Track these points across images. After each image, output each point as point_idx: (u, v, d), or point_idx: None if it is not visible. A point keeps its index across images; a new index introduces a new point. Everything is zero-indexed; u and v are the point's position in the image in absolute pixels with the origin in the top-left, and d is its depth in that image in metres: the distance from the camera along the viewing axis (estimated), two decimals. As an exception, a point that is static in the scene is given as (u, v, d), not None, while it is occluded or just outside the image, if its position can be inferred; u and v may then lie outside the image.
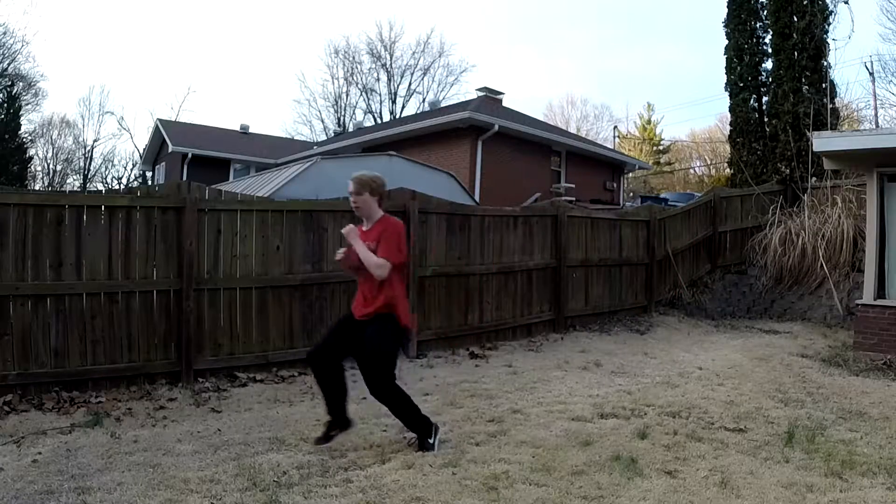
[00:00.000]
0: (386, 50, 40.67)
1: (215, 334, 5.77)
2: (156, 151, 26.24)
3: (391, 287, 3.79)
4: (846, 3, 13.36)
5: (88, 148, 40.43)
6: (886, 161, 7.58)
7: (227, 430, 4.40)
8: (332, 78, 42.13)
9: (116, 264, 5.27)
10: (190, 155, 21.95)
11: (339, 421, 3.97)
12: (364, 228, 3.90)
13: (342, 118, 40.40)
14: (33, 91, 33.89)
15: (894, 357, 7.07)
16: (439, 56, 40.85)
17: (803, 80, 12.89)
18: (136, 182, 37.33)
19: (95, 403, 4.87)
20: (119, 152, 74.60)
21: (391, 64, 40.49)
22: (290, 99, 79.95)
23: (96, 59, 58.71)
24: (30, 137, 34.85)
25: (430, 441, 3.87)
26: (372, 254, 3.74)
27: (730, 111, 14.46)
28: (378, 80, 40.69)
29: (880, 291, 7.64)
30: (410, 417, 3.88)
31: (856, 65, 43.47)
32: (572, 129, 40.53)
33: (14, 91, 31.33)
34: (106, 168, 42.15)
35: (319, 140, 33.23)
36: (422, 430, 3.89)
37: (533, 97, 65.47)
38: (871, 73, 21.95)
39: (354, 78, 40.82)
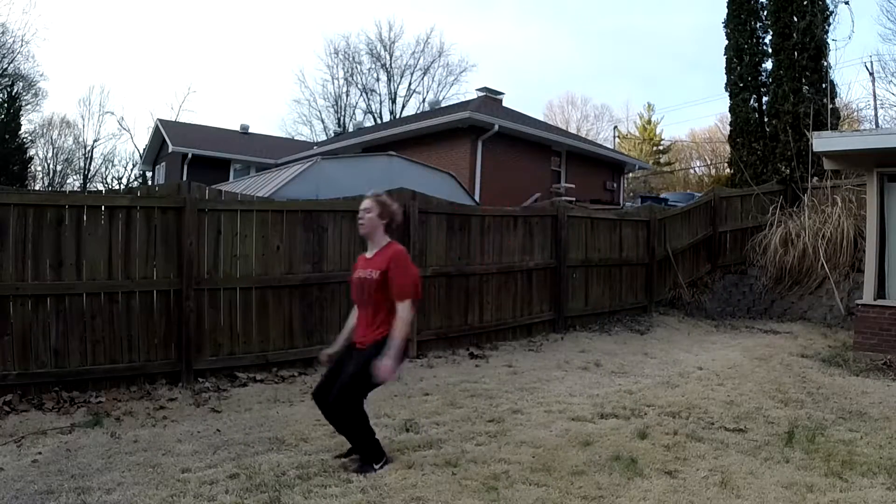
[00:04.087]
0: (386, 50, 40.71)
1: (215, 334, 5.76)
2: (156, 151, 26.24)
3: (393, 313, 3.60)
4: (846, 3, 13.41)
5: (88, 148, 40.46)
6: (886, 161, 7.58)
7: (227, 430, 4.40)
8: (332, 78, 42.06)
9: (116, 264, 5.27)
10: (190, 155, 21.94)
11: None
12: (367, 256, 3.80)
13: (342, 118, 40.41)
14: (33, 91, 33.90)
15: (894, 357, 7.07)
16: (439, 56, 40.89)
17: (803, 80, 12.88)
18: (136, 182, 37.34)
19: (95, 403, 4.87)
20: (119, 152, 74.51)
21: (391, 64, 40.53)
22: (289, 99, 79.96)
23: (96, 59, 58.75)
24: (30, 137, 34.87)
25: (375, 466, 3.63)
26: (404, 326, 3.56)
27: (730, 111, 14.45)
28: (378, 80, 40.74)
29: (880, 291, 7.64)
30: (364, 444, 3.68)
31: (856, 65, 43.56)
32: (572, 129, 40.53)
33: (14, 91, 31.32)
34: (106, 168, 42.19)
35: (319, 140, 33.24)
36: (371, 456, 3.67)
37: (533, 97, 65.53)
38: (871, 73, 21.98)
39: (354, 78, 40.85)
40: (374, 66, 40.66)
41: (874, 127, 18.43)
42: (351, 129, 33.75)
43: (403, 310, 3.57)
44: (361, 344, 3.67)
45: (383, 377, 3.47)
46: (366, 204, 3.79)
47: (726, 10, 14.26)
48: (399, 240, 6.88)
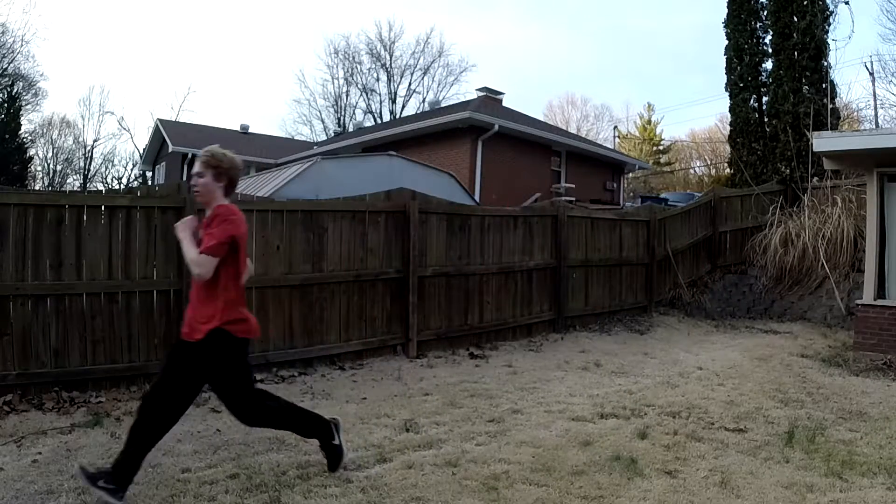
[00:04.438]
0: (386, 50, 40.74)
1: (215, 334, 5.75)
2: (156, 151, 26.27)
3: (222, 293, 3.10)
4: (846, 3, 13.42)
5: (88, 148, 40.52)
6: (886, 161, 7.58)
7: (227, 430, 4.39)
8: (332, 78, 42.12)
9: (116, 264, 5.26)
10: (190, 155, 21.97)
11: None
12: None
13: (342, 118, 40.43)
14: (33, 91, 33.93)
15: (894, 357, 7.07)
16: (439, 56, 40.96)
17: (803, 80, 12.88)
18: (136, 182, 37.37)
19: (95, 403, 4.86)
20: (119, 152, 74.73)
21: (391, 64, 40.57)
22: (289, 99, 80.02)
23: (96, 59, 58.79)
24: (30, 137, 34.92)
25: (335, 442, 3.49)
26: (194, 248, 3.00)
27: (730, 111, 14.46)
28: (378, 80, 40.77)
29: (880, 291, 7.63)
30: (301, 425, 3.47)
31: (856, 65, 43.62)
32: (573, 129, 40.57)
33: (14, 91, 31.33)
34: (106, 168, 42.29)
35: (319, 140, 33.25)
36: (320, 433, 3.47)
37: (533, 97, 65.57)
38: (871, 73, 22.00)
39: (354, 78, 40.89)
40: (374, 66, 40.75)
41: (874, 127, 18.44)
42: (351, 129, 33.77)
43: (204, 258, 2.95)
44: (188, 334, 3.13)
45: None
46: (197, 167, 3.17)
47: (726, 10, 14.27)
48: (399, 239, 6.99)
